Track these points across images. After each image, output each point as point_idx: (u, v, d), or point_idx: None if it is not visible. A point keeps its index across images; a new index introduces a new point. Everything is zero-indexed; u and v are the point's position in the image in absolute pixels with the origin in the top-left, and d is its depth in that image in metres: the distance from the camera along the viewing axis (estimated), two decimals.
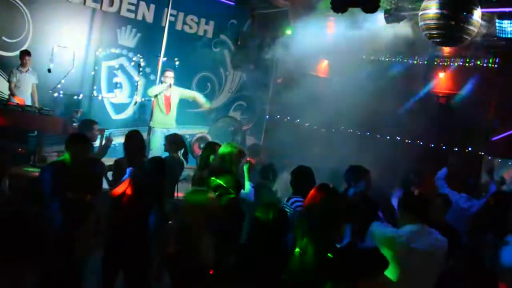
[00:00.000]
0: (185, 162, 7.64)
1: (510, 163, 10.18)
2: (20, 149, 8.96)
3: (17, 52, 9.73)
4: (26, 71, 9.65)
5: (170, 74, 10.24)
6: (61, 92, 10.35)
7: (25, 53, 9.62)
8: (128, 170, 5.26)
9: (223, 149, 5.94)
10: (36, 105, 9.57)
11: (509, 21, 8.53)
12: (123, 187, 5.19)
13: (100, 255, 5.17)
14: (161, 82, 10.30)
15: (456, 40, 8.08)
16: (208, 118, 12.36)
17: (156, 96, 10.19)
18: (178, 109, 10.56)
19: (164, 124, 10.26)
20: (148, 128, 10.27)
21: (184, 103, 10.92)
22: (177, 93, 10.44)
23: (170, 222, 5.24)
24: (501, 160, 10.20)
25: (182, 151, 7.48)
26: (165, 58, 10.44)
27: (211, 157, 6.19)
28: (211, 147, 6.49)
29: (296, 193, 5.48)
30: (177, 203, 5.89)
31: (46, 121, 9.29)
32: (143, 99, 11.34)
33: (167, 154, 7.45)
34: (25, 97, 9.63)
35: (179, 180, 7.97)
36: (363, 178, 6.15)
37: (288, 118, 12.70)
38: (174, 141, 7.43)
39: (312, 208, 4.35)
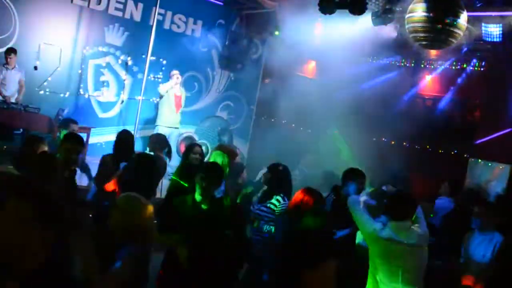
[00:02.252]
0: (168, 161, 7.68)
1: (495, 166, 10.28)
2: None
3: (3, 49, 9.63)
4: (12, 68, 9.56)
5: (176, 72, 10.78)
6: (47, 89, 10.28)
7: (8, 52, 9.50)
8: (122, 165, 5.35)
9: (214, 157, 6.04)
10: (20, 101, 9.49)
11: (494, 25, 8.62)
12: (113, 183, 5.25)
13: None
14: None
15: (442, 43, 8.13)
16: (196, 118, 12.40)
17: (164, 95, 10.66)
18: None
19: (173, 123, 10.75)
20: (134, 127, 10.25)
21: None
22: (184, 93, 11.04)
23: None
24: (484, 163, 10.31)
25: (166, 150, 7.48)
26: (152, 57, 10.43)
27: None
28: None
29: (272, 190, 5.53)
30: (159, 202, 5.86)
31: (32, 119, 9.23)
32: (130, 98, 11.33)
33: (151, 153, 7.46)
34: (11, 94, 9.54)
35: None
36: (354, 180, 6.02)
37: (274, 119, 12.72)
38: (158, 141, 7.43)
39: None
